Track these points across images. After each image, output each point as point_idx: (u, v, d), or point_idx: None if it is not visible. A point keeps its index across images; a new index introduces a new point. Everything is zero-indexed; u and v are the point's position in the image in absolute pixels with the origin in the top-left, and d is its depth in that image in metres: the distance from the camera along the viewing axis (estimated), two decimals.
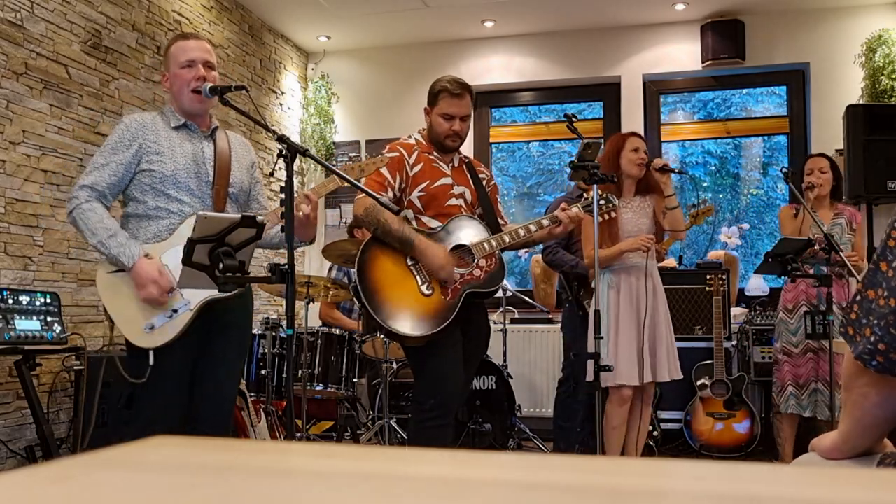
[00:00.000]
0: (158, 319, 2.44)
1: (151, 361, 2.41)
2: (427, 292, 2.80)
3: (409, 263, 2.83)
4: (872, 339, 1.08)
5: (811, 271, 3.96)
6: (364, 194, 2.49)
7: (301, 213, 2.49)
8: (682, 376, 3.58)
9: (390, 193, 2.87)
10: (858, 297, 1.14)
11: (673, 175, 3.71)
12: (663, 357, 3.48)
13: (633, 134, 3.70)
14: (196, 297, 2.46)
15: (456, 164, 3.07)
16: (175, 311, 2.45)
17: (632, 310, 3.47)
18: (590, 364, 3.05)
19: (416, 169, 2.94)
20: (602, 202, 3.12)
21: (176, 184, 2.52)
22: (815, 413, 4.06)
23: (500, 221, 3.11)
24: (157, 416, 2.48)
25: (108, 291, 2.47)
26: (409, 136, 3.06)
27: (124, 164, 2.50)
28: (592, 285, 3.62)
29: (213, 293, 2.45)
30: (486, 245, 2.91)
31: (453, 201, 2.97)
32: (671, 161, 6.14)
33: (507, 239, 2.94)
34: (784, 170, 4.15)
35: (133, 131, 2.53)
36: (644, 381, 3.44)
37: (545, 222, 3.01)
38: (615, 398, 3.45)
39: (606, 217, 3.22)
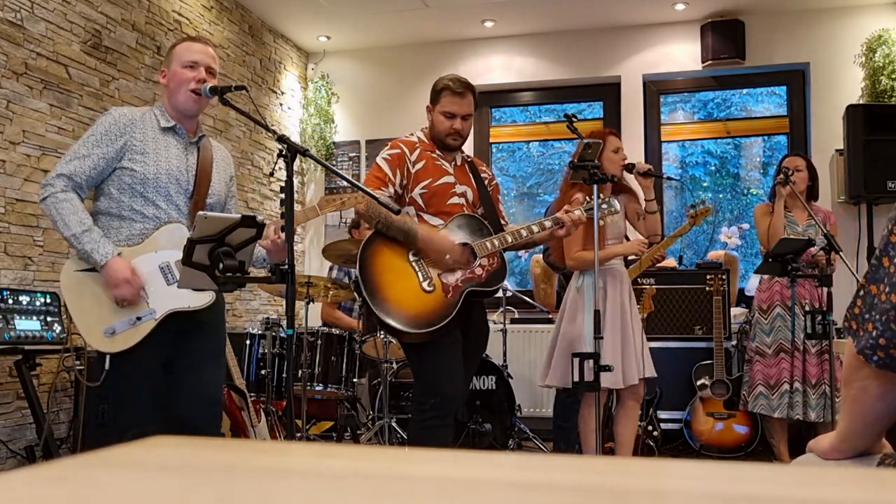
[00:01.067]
0: (120, 325, 2.39)
1: (107, 366, 2.38)
2: (428, 289, 2.80)
3: (411, 259, 2.83)
4: (874, 333, 1.08)
5: None
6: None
7: (280, 240, 2.45)
8: (655, 375, 3.56)
9: (391, 190, 2.86)
10: (862, 293, 1.14)
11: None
12: (633, 357, 3.47)
13: (612, 133, 3.65)
14: (162, 306, 2.43)
15: (458, 163, 3.07)
16: (139, 318, 2.41)
17: (616, 313, 3.45)
18: (588, 364, 3.05)
19: (419, 166, 2.93)
20: (605, 205, 3.11)
21: (156, 187, 2.47)
22: (789, 415, 4.04)
23: (502, 221, 3.11)
24: (130, 422, 2.44)
25: (71, 291, 2.43)
26: (412, 134, 3.06)
27: (106, 158, 2.44)
28: (576, 285, 3.61)
29: (179, 304, 2.44)
30: (488, 244, 2.91)
31: (455, 200, 2.97)
32: (671, 162, 6.16)
33: (509, 239, 2.94)
34: (784, 170, 4.16)
35: (121, 126, 2.47)
36: (628, 383, 3.43)
37: (547, 224, 3.00)
38: (592, 401, 3.41)
39: (609, 220, 3.21)
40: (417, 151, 2.96)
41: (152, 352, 2.45)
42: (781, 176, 4.09)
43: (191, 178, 2.55)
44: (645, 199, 3.63)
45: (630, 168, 3.59)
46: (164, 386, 2.54)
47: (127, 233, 2.46)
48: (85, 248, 2.36)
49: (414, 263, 2.83)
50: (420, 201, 2.92)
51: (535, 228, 2.98)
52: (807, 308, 4.03)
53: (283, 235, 2.41)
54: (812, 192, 4.28)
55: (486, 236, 2.94)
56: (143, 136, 2.50)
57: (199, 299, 2.48)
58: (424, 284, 2.80)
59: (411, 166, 2.92)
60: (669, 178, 3.72)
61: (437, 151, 3.01)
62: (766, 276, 4.23)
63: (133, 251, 2.44)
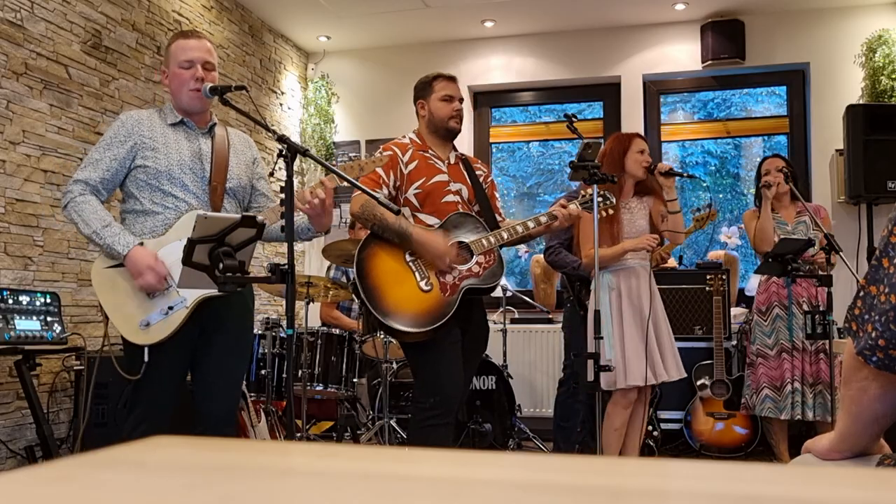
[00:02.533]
0: (154, 316, 2.42)
1: (146, 358, 2.40)
2: (426, 288, 2.80)
3: (408, 259, 2.84)
4: (873, 334, 1.08)
5: None
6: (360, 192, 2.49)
7: (317, 200, 2.46)
8: (685, 375, 3.57)
9: (385, 191, 2.88)
10: (862, 293, 1.14)
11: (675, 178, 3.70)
12: (669, 357, 3.47)
13: (637, 135, 3.69)
14: (192, 294, 2.45)
15: (452, 162, 3.08)
16: (171, 308, 2.44)
17: (634, 311, 3.45)
18: (590, 364, 3.05)
19: (411, 167, 2.95)
20: (600, 199, 3.12)
21: (170, 179, 2.51)
22: (792, 415, 4.03)
23: (498, 218, 3.12)
24: (149, 413, 2.48)
25: (103, 287, 2.46)
26: (404, 136, 3.08)
27: (118, 160, 2.51)
28: (592, 286, 3.62)
29: (211, 290, 2.45)
30: (484, 241, 2.91)
31: (450, 198, 2.97)
32: (671, 162, 6.15)
33: (505, 235, 2.95)
34: (784, 170, 4.16)
35: (128, 128, 2.53)
36: (648, 382, 3.43)
37: (543, 219, 3.01)
38: (621, 400, 3.43)
39: (605, 214, 3.21)
40: (410, 152, 2.97)
41: (182, 346, 2.49)
42: (765, 179, 4.13)
43: (206, 165, 2.58)
44: (667, 200, 3.63)
45: (651, 169, 3.60)
46: (184, 384, 2.58)
47: (151, 225, 2.51)
48: (106, 242, 2.41)
49: (411, 263, 2.83)
50: (415, 201, 2.93)
51: (531, 224, 2.99)
52: (805, 308, 4.02)
53: (320, 194, 2.43)
54: (794, 193, 4.27)
55: (482, 234, 2.94)
56: (151, 133, 2.55)
57: None
58: (422, 284, 2.81)
59: (404, 167, 2.93)
60: (691, 177, 3.71)
61: (431, 151, 3.03)
62: (764, 277, 4.22)
63: (158, 242, 2.47)
